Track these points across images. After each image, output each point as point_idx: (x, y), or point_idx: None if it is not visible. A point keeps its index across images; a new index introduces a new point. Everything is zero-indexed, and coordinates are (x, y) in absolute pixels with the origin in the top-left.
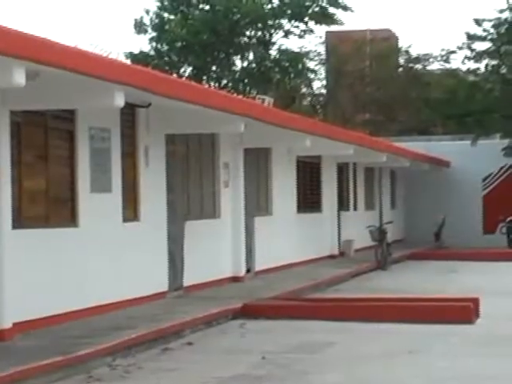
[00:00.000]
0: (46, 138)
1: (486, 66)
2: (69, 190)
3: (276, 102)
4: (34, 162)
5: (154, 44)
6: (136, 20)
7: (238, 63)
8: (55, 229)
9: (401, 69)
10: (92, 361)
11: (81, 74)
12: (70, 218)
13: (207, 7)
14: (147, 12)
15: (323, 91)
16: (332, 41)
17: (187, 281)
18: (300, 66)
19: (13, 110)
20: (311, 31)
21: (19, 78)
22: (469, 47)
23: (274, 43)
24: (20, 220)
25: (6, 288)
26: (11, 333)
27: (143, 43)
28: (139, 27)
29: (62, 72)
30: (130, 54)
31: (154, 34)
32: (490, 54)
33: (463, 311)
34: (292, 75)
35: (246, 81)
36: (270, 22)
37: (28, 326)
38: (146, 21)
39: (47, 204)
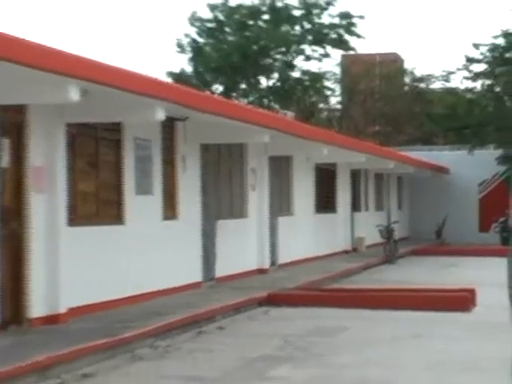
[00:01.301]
0: (96, 146)
1: (482, 85)
2: (116, 193)
3: (296, 116)
4: (86, 168)
5: (192, 64)
6: (178, 40)
7: (264, 82)
8: (104, 226)
9: (406, 87)
10: (135, 342)
11: (127, 91)
12: (117, 216)
13: (239, 33)
14: (186, 36)
15: (338, 106)
16: (346, 63)
17: (219, 272)
18: (318, 85)
19: (68, 123)
20: (328, 55)
21: (74, 95)
22: (467, 68)
23: (295, 65)
24: (74, 218)
25: (61, 277)
26: (66, 317)
27: (183, 63)
28: (180, 48)
29: (111, 89)
30: (171, 73)
31: (191, 55)
32: (486, 75)
33: (461, 301)
34: (311, 93)
35: (270, 97)
36: (293, 47)
37: (80, 311)
38: (186, 42)
39: (97, 204)
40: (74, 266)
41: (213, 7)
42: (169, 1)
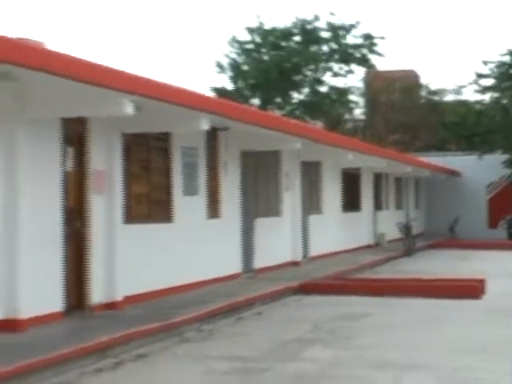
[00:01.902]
0: (148, 154)
1: (490, 97)
2: (166, 194)
3: (324, 126)
4: (139, 172)
5: (232, 80)
6: (218, 62)
7: (296, 96)
8: (155, 224)
9: (422, 100)
10: (183, 326)
11: (175, 104)
12: (167, 215)
13: (274, 53)
14: (226, 56)
15: (362, 117)
16: (369, 78)
17: (256, 265)
18: (344, 98)
19: (124, 133)
20: (353, 72)
21: (129, 109)
22: (476, 83)
23: (324, 81)
24: (129, 217)
25: (117, 269)
26: (122, 304)
27: (224, 79)
28: (220, 67)
29: (161, 103)
30: (214, 88)
31: (232, 73)
32: (493, 89)
33: (472, 289)
34: (338, 105)
35: (301, 109)
36: (321, 65)
37: (135, 299)
38: (226, 62)
39: (149, 205)
40: (129, 260)
41: (250, 30)
42: (210, 24)
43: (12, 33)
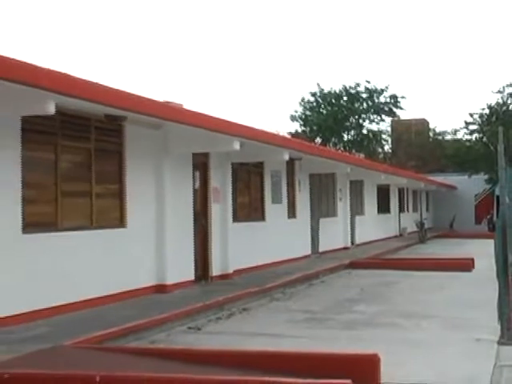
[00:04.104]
0: (248, 176)
1: (476, 137)
2: (260, 202)
3: (365, 156)
4: (243, 188)
5: (301, 126)
6: (291, 115)
7: (345, 136)
8: (253, 222)
9: (430, 139)
10: (273, 290)
11: (267, 143)
12: (260, 217)
13: (330, 107)
14: (296, 111)
15: (389, 150)
16: (394, 124)
17: (321, 249)
18: (378, 138)
19: (232, 162)
20: (383, 120)
21: (236, 146)
22: (466, 128)
23: (364, 126)
24: (236, 218)
25: (229, 251)
26: (232, 275)
27: (296, 126)
28: (293, 118)
29: (257, 143)
30: (290, 132)
31: (301, 121)
32: (477, 131)
33: (465, 265)
34: (374, 142)
35: (350, 145)
36: (362, 115)
37: (240, 271)
38: (297, 114)
39: (249, 210)
40: (237, 245)
41: (313, 94)
42: (284, 87)
43: (161, 96)
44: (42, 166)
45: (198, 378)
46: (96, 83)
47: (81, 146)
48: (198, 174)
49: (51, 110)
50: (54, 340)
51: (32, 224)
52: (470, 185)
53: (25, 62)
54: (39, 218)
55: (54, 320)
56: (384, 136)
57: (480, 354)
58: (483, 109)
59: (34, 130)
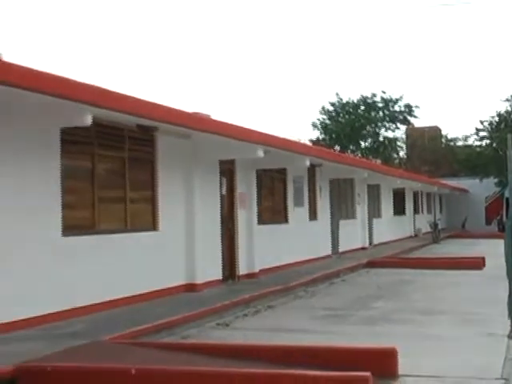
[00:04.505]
0: (272, 182)
1: (486, 143)
2: (283, 206)
3: (381, 162)
4: (267, 193)
5: (321, 134)
6: (312, 122)
7: (362, 144)
8: (277, 224)
9: (442, 145)
10: (296, 288)
11: (289, 151)
12: (284, 220)
13: (348, 116)
14: (317, 119)
15: (404, 156)
16: (408, 132)
17: (341, 249)
18: (393, 144)
19: (257, 169)
20: (399, 128)
21: (260, 154)
22: (477, 134)
23: (380, 133)
24: (261, 220)
25: (254, 252)
26: (258, 274)
27: (316, 134)
28: (314, 126)
29: (281, 151)
30: (311, 140)
31: (321, 130)
32: (487, 138)
33: (477, 263)
34: (389, 149)
35: (367, 152)
36: (378, 124)
37: (265, 271)
38: (318, 123)
39: (273, 213)
40: (262, 246)
41: (332, 104)
42: (304, 96)
43: (189, 107)
44: (79, 173)
45: (226, 371)
46: (129, 96)
47: (115, 155)
48: (224, 180)
49: (88, 121)
50: (92, 336)
51: (71, 227)
52: (480, 188)
53: (64, 77)
54: (78, 221)
55: (92, 317)
56: (399, 143)
57: (491, 347)
58: (493, 116)
59: (72, 141)
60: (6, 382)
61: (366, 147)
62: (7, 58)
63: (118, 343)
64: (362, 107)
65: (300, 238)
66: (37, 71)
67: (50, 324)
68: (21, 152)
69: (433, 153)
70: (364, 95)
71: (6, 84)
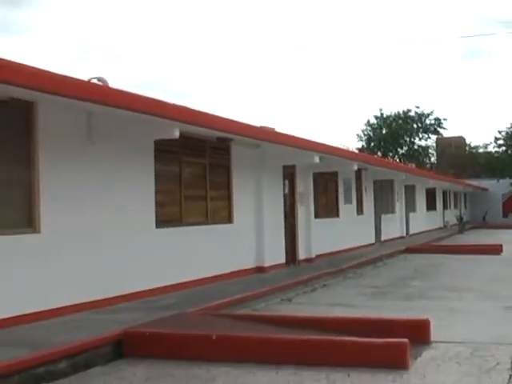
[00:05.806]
0: (325, 182)
1: (503, 150)
2: (335, 203)
3: (416, 166)
4: (321, 192)
5: (366, 142)
6: (358, 134)
7: (400, 150)
8: (330, 218)
9: (467, 152)
10: (346, 270)
11: (341, 157)
12: (335, 214)
13: (389, 127)
14: (363, 131)
15: (435, 161)
16: (438, 141)
17: (382, 238)
18: (426, 151)
19: (313, 172)
20: (430, 138)
21: (316, 159)
22: (495, 142)
23: (415, 142)
24: (317, 215)
25: (312, 241)
26: (314, 259)
27: (361, 142)
28: (359, 137)
29: (333, 156)
30: (358, 148)
31: (366, 139)
32: (504, 145)
33: (496, 249)
34: (422, 155)
35: (403, 158)
36: (413, 134)
37: (321, 256)
38: (363, 133)
39: (326, 209)
40: (318, 236)
41: (376, 117)
42: (352, 110)
43: (257, 121)
44: (169, 177)
45: (288, 338)
46: (210, 114)
47: (198, 161)
48: (287, 181)
49: (176, 134)
50: (179, 308)
51: (162, 221)
52: (498, 187)
53: (157, 99)
54: (168, 216)
55: (180, 293)
56: (430, 150)
57: (510, 318)
58: (509, 127)
59: (163, 150)
60: (115, 342)
61: (402, 154)
62: (115, 85)
63: (201, 314)
64: (400, 120)
65: (349, 229)
66: (138, 96)
67: (146, 298)
68: (125, 161)
69: (458, 158)
70: (402, 110)
71: (117, 107)
